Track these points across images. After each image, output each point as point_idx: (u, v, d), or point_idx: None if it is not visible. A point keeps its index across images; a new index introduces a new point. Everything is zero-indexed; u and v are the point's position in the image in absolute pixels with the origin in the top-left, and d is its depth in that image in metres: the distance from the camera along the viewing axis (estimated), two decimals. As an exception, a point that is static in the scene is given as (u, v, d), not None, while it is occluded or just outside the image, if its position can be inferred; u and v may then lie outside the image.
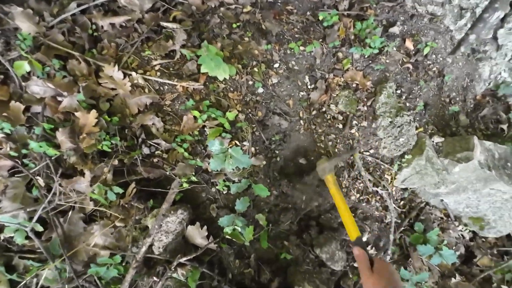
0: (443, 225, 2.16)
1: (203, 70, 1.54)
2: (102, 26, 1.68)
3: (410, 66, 2.02)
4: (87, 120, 1.45)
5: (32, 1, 1.62)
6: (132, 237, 1.48)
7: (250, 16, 1.88)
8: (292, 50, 1.87)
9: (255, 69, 1.78)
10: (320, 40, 1.95)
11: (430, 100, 2.09)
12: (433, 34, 2.14)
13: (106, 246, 1.47)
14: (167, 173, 1.58)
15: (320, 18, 1.94)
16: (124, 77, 1.59)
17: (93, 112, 1.45)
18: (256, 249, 1.72)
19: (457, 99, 2.26)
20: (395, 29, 2.05)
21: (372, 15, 1.99)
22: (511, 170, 1.88)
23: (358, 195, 1.91)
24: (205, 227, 1.58)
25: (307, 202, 1.80)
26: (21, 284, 1.36)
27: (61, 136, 1.40)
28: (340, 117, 1.91)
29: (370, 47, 1.93)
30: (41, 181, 1.40)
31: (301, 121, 1.88)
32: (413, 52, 2.07)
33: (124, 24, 1.72)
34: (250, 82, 1.77)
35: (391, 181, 1.97)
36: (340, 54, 1.97)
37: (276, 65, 1.85)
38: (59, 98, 1.48)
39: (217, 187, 1.67)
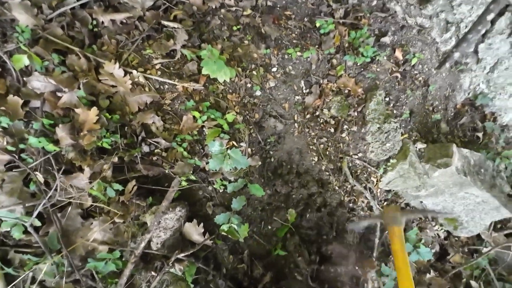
0: (421, 224, 2.32)
1: (204, 72, 1.58)
2: (102, 22, 1.67)
3: (399, 75, 2.15)
4: (88, 117, 1.45)
5: (30, -8, 1.58)
6: (130, 233, 1.51)
7: (250, 19, 1.92)
8: (290, 55, 1.94)
9: (254, 72, 1.84)
10: (316, 46, 2.02)
11: (415, 108, 2.23)
12: (420, 45, 2.27)
13: (104, 242, 1.50)
14: (166, 171, 1.62)
15: (317, 25, 2.02)
16: (125, 74, 1.60)
17: (94, 109, 1.46)
18: (249, 245, 1.80)
19: (440, 107, 2.41)
20: (386, 39, 2.16)
21: (366, 24, 2.09)
22: (484, 176, 2.06)
23: (345, 195, 2.03)
24: (202, 224, 1.64)
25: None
26: (19, 278, 1.37)
27: (61, 132, 1.41)
28: (332, 122, 2.01)
29: (363, 55, 2.03)
30: (40, 177, 1.40)
31: (296, 124, 1.96)
32: (402, 62, 2.19)
33: (124, 21, 1.72)
34: (249, 85, 1.83)
35: (376, 183, 2.10)
36: (334, 61, 2.05)
37: (274, 69, 1.91)
38: (59, 94, 1.48)
39: (214, 186, 1.72)
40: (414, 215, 1.67)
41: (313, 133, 1.99)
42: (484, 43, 2.34)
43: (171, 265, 1.48)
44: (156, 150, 1.64)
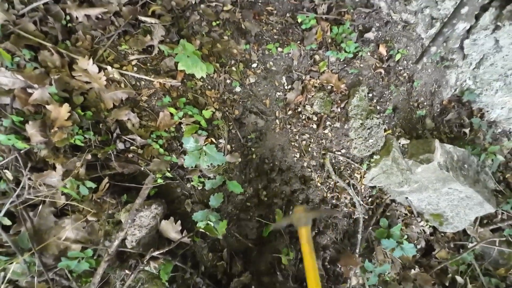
0: (407, 220, 2.31)
1: (180, 67, 1.56)
2: (76, 17, 1.64)
3: (382, 71, 2.13)
4: (59, 113, 1.43)
5: (0, -13, 1.55)
6: (104, 231, 1.49)
7: (230, 14, 1.90)
8: (270, 51, 1.92)
9: (233, 68, 1.81)
10: (298, 42, 2.00)
11: (399, 104, 2.22)
12: (405, 41, 2.25)
13: (77, 240, 1.47)
14: (142, 168, 1.59)
15: (299, 20, 2.00)
16: (99, 70, 1.57)
17: (66, 106, 1.43)
18: (230, 243, 1.78)
19: (425, 103, 2.40)
20: (370, 35, 2.14)
21: (349, 20, 2.07)
22: (467, 172, 2.05)
23: (328, 192, 2.01)
24: (179, 221, 1.62)
25: None
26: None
27: (31, 129, 1.38)
28: (315, 118, 1.99)
29: (345, 51, 2.01)
30: (9, 175, 1.37)
31: (277, 121, 1.94)
32: (386, 58, 2.17)
33: (100, 16, 1.69)
34: (228, 81, 1.80)
35: (360, 179, 2.09)
36: (317, 57, 2.03)
37: (254, 65, 1.89)
38: (30, 90, 1.45)
39: (192, 183, 1.70)
40: (320, 213, 1.77)
41: (295, 130, 1.97)
42: (469, 38, 2.32)
43: (145, 263, 1.45)
44: (131, 147, 1.61)
